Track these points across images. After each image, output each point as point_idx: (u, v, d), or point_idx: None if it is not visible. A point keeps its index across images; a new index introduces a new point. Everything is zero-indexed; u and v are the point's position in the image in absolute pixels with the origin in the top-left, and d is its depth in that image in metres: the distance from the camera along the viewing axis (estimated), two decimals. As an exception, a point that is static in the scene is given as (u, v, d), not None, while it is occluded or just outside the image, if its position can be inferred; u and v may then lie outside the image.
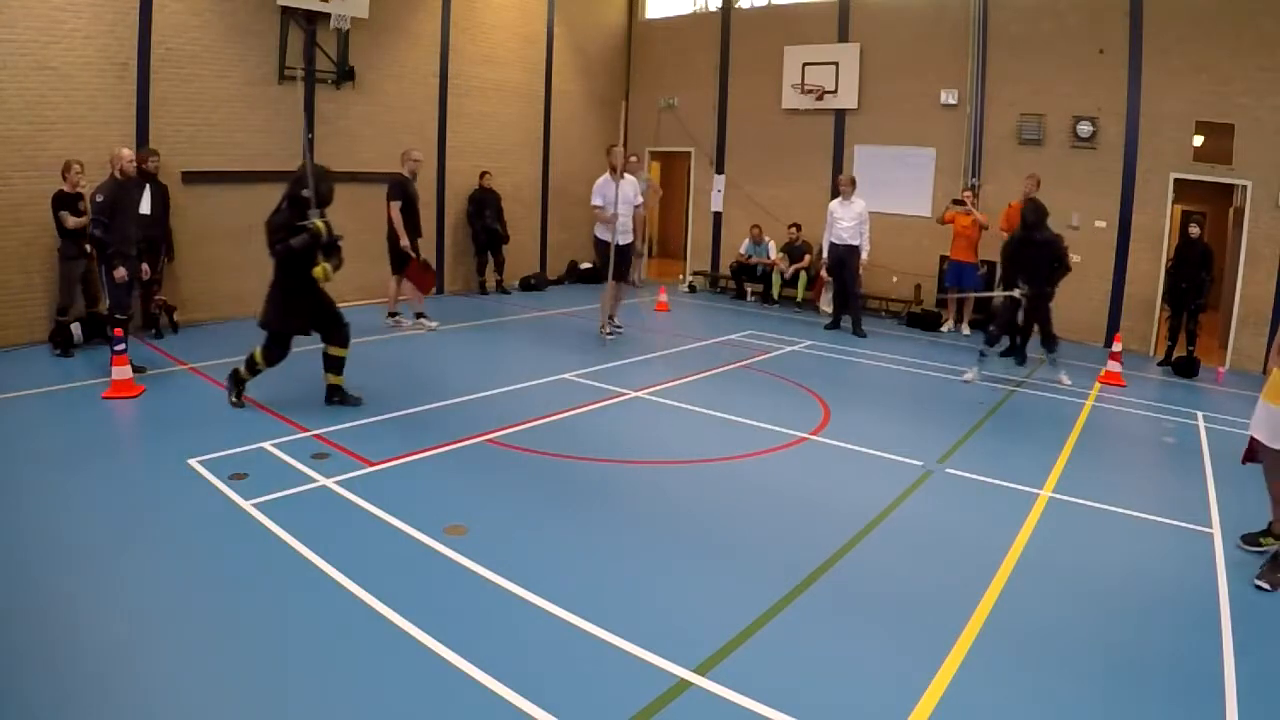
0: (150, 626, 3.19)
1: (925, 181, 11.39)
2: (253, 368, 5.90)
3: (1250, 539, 4.33)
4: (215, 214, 9.04)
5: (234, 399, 5.96)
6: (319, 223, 5.66)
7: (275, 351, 5.87)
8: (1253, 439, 4.19)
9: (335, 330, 5.97)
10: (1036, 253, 7.75)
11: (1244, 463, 4.37)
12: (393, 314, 9.27)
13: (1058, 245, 7.80)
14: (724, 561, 4.00)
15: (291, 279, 5.74)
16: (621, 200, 8.59)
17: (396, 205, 8.74)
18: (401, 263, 8.89)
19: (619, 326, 9.25)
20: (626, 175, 8.82)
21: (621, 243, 8.74)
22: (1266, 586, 3.87)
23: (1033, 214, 7.74)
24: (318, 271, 5.71)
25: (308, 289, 5.79)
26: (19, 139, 7.47)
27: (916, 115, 11.37)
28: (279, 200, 5.83)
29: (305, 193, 5.68)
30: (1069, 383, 7.81)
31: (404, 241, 8.75)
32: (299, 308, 5.81)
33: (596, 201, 8.70)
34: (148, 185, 7.72)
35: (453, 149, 11.44)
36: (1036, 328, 8.32)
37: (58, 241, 7.47)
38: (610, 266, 8.72)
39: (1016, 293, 7.86)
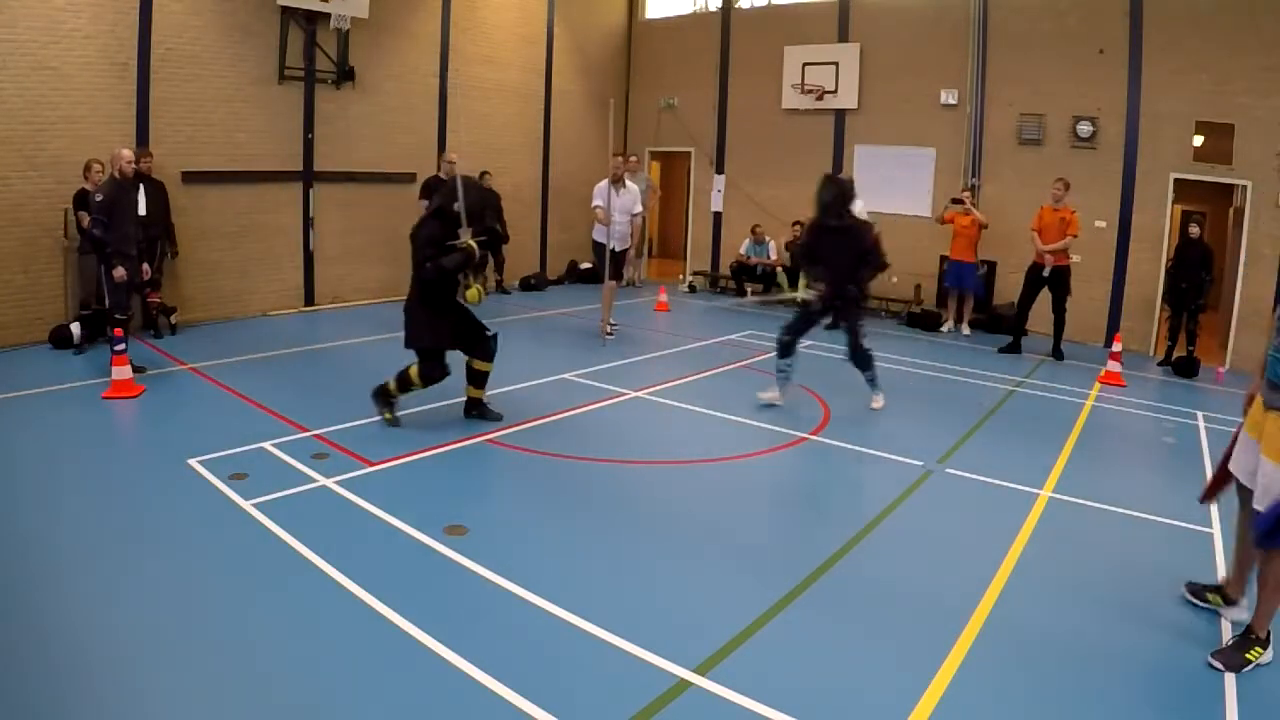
0: (149, 626, 3.18)
1: (925, 181, 11.38)
2: (405, 385, 5.57)
3: (1197, 591, 3.74)
4: (215, 214, 9.05)
5: (388, 416, 5.63)
6: (471, 241, 5.38)
7: (434, 371, 5.54)
8: (1226, 476, 3.57)
9: (480, 344, 5.67)
10: (833, 243, 6.21)
11: (1204, 501, 3.88)
12: None
13: (861, 235, 6.24)
14: (724, 561, 4.00)
15: (436, 295, 5.47)
16: (619, 209, 8.63)
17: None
18: None
19: (614, 324, 9.28)
20: (628, 184, 8.80)
21: (616, 249, 8.81)
22: (1219, 666, 3.19)
23: (825, 193, 6.15)
24: (472, 295, 5.48)
25: (451, 303, 5.56)
26: (19, 139, 7.46)
27: (916, 115, 11.37)
28: (426, 211, 5.56)
29: (456, 206, 5.36)
30: (878, 406, 6.64)
31: None
32: (446, 323, 5.54)
33: (598, 202, 8.72)
34: (141, 185, 7.71)
35: (452, 149, 11.42)
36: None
37: (75, 240, 7.48)
38: (606, 267, 8.80)
39: (809, 294, 6.50)
